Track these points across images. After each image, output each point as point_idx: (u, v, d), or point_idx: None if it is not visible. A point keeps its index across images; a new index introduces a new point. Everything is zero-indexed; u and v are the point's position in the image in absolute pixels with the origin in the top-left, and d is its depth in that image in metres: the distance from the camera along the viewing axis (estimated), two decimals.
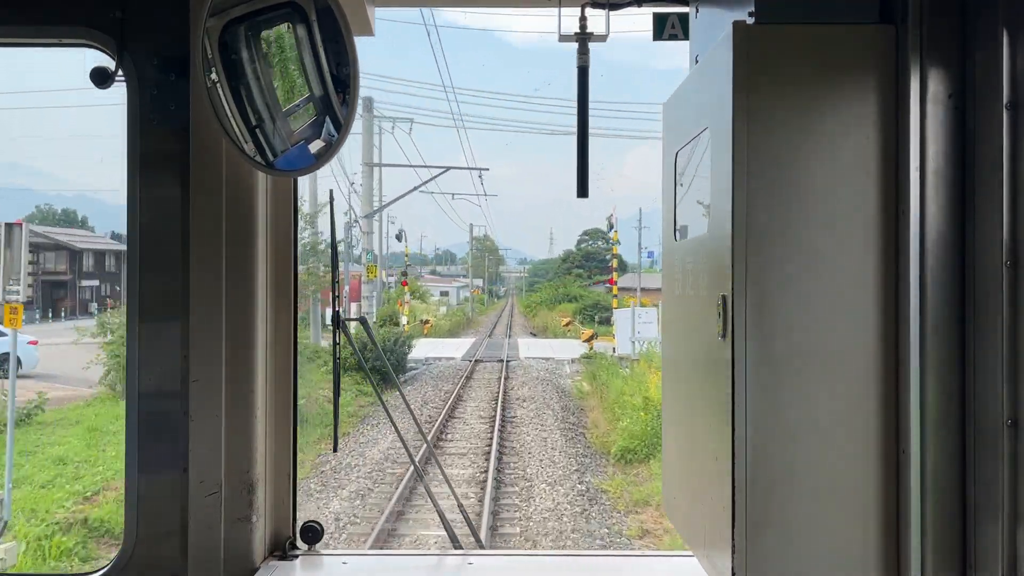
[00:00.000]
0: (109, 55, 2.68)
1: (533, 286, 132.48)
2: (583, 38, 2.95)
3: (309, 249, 31.28)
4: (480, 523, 13.32)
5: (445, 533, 3.18)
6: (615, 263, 50.19)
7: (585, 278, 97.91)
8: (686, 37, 2.95)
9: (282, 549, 2.92)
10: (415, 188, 43.30)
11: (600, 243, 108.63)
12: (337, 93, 2.40)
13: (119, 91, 2.68)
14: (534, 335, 61.30)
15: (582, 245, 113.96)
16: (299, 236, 3.03)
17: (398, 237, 55.03)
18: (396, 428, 3.44)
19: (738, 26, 2.17)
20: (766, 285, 2.15)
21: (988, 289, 2.09)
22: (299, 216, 3.02)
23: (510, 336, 59.64)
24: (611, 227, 46.21)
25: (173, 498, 2.67)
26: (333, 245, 3.16)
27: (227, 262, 2.68)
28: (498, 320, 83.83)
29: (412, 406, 3.33)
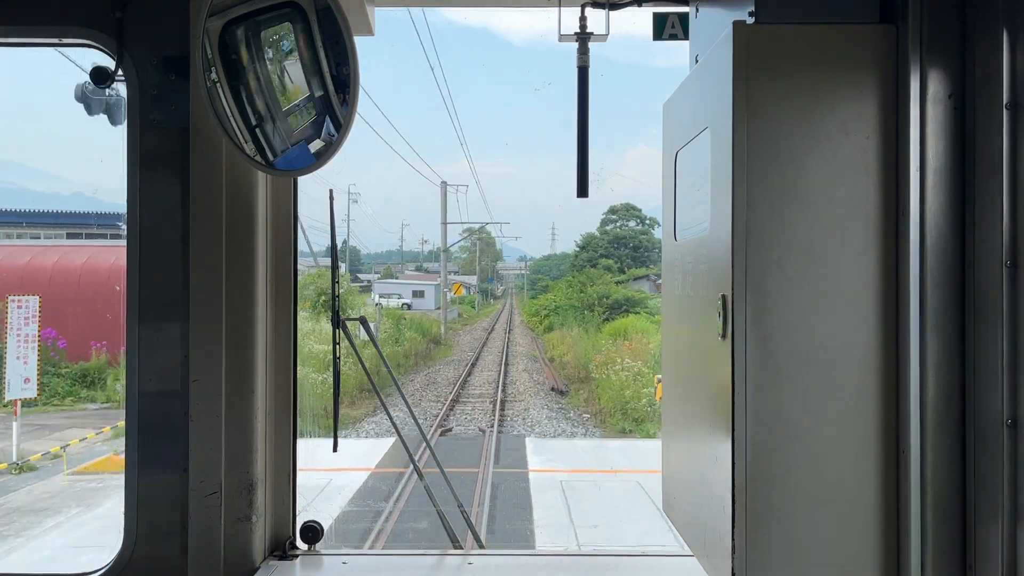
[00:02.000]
0: (109, 55, 2.68)
1: (537, 284, 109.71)
2: (583, 38, 2.95)
3: None
4: None
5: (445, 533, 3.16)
6: None
7: (616, 271, 64.41)
8: (686, 37, 2.95)
9: (282, 549, 2.91)
10: None
11: (634, 224, 77.71)
12: (337, 93, 2.40)
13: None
14: (560, 393, 26.76)
15: (608, 227, 78.76)
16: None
17: None
18: (396, 428, 3.44)
19: (738, 26, 2.16)
20: (766, 285, 2.15)
21: (988, 289, 2.08)
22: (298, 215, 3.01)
23: (500, 424, 21.19)
24: None
25: (173, 498, 2.67)
26: (333, 245, 3.16)
27: (227, 262, 2.68)
28: (484, 346, 44.27)
29: None
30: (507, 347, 44.83)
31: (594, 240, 78.01)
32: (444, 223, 57.00)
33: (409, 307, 73.61)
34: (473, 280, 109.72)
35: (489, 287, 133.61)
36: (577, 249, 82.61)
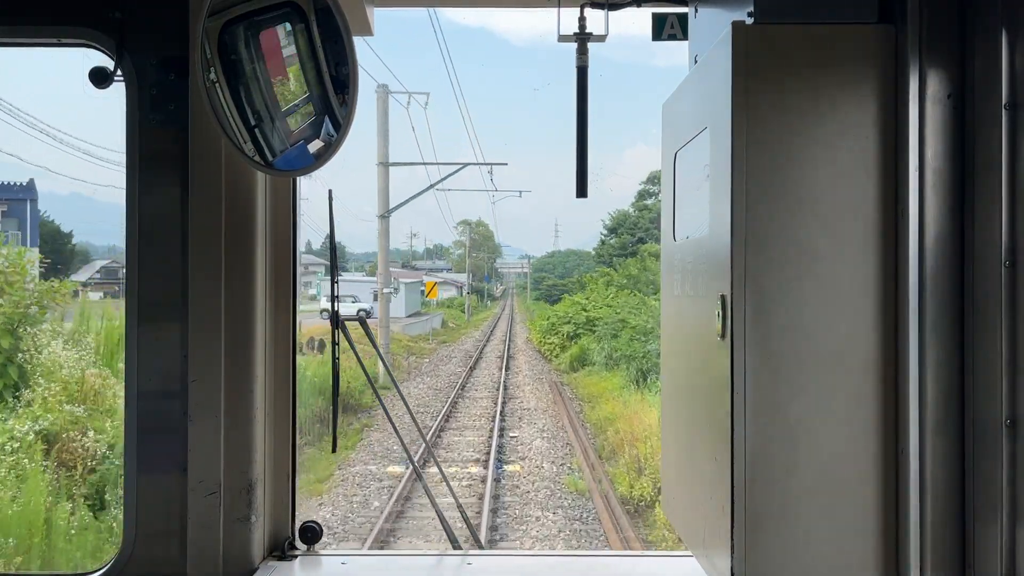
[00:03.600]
0: (109, 55, 2.68)
1: (541, 284, 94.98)
2: (582, 38, 2.95)
3: None
4: None
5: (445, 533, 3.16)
6: None
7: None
8: (685, 37, 2.95)
9: (281, 549, 2.91)
10: None
11: None
12: (336, 93, 2.40)
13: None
14: None
15: (648, 202, 59.64)
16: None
17: None
18: (395, 428, 3.44)
19: (737, 26, 2.17)
20: (765, 285, 2.15)
21: (987, 289, 2.09)
22: (298, 216, 3.01)
23: None
24: None
25: (172, 498, 2.67)
26: (332, 245, 3.16)
27: (226, 262, 2.68)
28: (443, 429, 18.98)
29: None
30: (497, 433, 19.26)
31: (628, 219, 57.05)
32: (384, 163, 31.84)
33: (368, 315, 47.73)
34: (467, 279, 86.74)
35: (486, 286, 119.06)
36: (604, 233, 59.25)
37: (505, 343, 45.84)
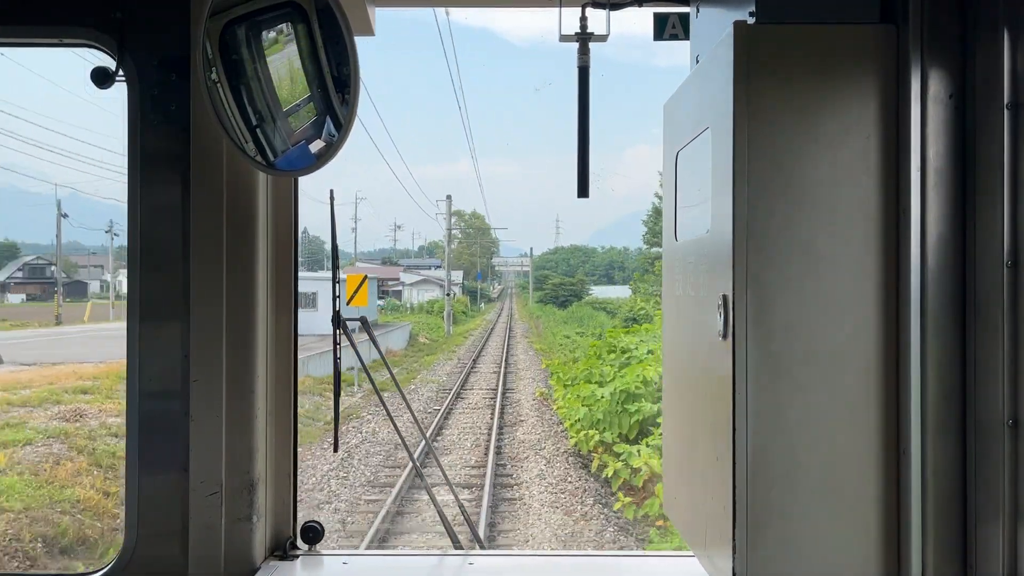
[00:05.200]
0: (110, 55, 2.69)
1: (545, 283, 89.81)
2: (583, 38, 2.95)
3: None
4: None
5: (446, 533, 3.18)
6: None
7: None
8: (687, 37, 2.95)
9: (282, 549, 2.92)
10: None
11: None
12: (337, 93, 2.41)
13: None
14: None
15: None
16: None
17: None
18: (395, 426, 3.44)
19: (739, 26, 2.16)
20: (767, 285, 2.15)
21: (988, 289, 2.09)
22: (299, 216, 3.01)
23: None
24: None
25: (174, 498, 2.67)
26: (334, 245, 3.16)
27: (227, 262, 2.68)
28: None
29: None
30: None
31: None
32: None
33: None
34: (449, 276, 66.54)
35: (480, 286, 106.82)
36: (660, 198, 44.68)
37: (494, 412, 22.85)
